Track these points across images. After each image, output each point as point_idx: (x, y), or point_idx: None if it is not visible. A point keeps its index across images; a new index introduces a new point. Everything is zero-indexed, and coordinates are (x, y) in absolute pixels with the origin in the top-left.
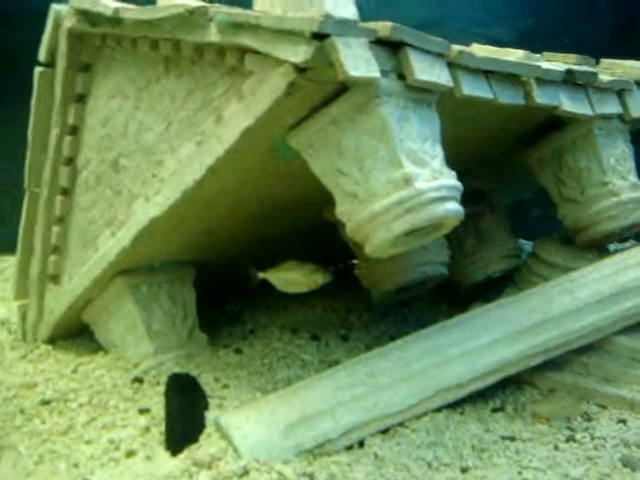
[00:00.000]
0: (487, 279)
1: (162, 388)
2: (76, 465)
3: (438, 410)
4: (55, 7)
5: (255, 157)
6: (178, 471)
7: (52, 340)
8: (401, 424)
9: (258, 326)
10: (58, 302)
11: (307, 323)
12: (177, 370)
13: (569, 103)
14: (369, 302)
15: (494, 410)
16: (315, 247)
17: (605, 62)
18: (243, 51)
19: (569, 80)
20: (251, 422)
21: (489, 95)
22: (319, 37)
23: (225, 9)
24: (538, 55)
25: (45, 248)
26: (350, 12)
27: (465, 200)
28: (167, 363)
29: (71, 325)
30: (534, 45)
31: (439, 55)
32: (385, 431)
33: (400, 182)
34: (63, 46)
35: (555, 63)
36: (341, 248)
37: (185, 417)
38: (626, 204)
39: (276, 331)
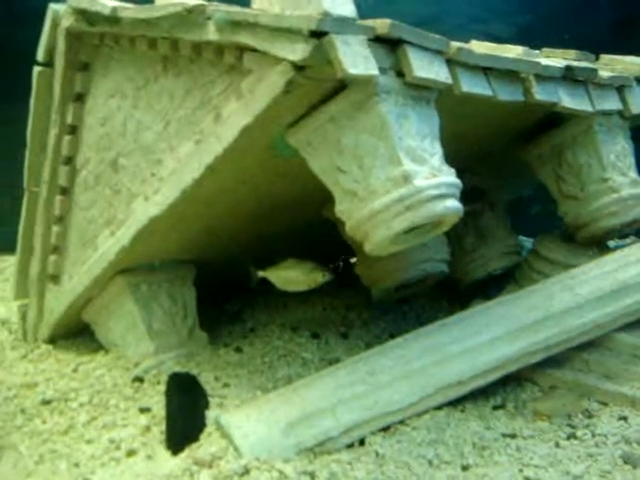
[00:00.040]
0: (487, 276)
1: (163, 387)
2: (77, 465)
3: (439, 408)
4: (53, 6)
5: (254, 155)
6: (179, 470)
7: (52, 340)
8: (402, 422)
9: (258, 325)
10: (58, 302)
11: (307, 321)
12: (177, 369)
13: (569, 99)
14: (369, 300)
15: (495, 407)
16: (314, 245)
17: (605, 58)
18: (241, 49)
19: (568, 76)
20: (252, 421)
21: (488, 92)
22: (317, 35)
23: (223, 7)
24: (537, 51)
25: (45, 248)
26: (348, 10)
27: (464, 197)
28: (167, 362)
29: (71, 324)
30: (533, 41)
31: (438, 52)
32: (386, 429)
33: (399, 180)
34: (61, 45)
35: (554, 59)
36: (341, 246)
37: (186, 416)
38: (626, 200)
39: (276, 329)
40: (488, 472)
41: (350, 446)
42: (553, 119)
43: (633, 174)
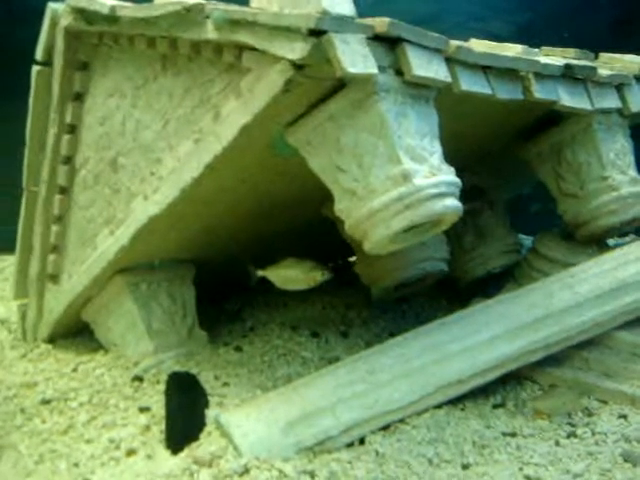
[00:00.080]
0: (487, 275)
1: (162, 386)
2: (76, 464)
3: (439, 406)
4: (52, 5)
5: (253, 154)
6: (179, 470)
7: (52, 339)
8: (402, 421)
9: (258, 324)
10: (57, 301)
11: (307, 320)
12: (177, 368)
13: (568, 98)
14: (368, 299)
15: (495, 406)
16: (314, 244)
17: (604, 56)
18: (240, 48)
19: (568, 75)
20: (251, 420)
21: (487, 90)
22: (316, 34)
23: (222, 6)
24: (536, 50)
25: (44, 247)
26: (347, 8)
27: (464, 196)
28: (167, 361)
29: (71, 324)
30: (532, 40)
31: (437, 51)
32: (386, 428)
33: (399, 178)
34: (60, 44)
35: (554, 58)
36: (340, 245)
37: (185, 415)
38: (626, 198)
39: (276, 328)
40: (488, 471)
41: (350, 445)
42: (552, 117)
43: (632, 172)
